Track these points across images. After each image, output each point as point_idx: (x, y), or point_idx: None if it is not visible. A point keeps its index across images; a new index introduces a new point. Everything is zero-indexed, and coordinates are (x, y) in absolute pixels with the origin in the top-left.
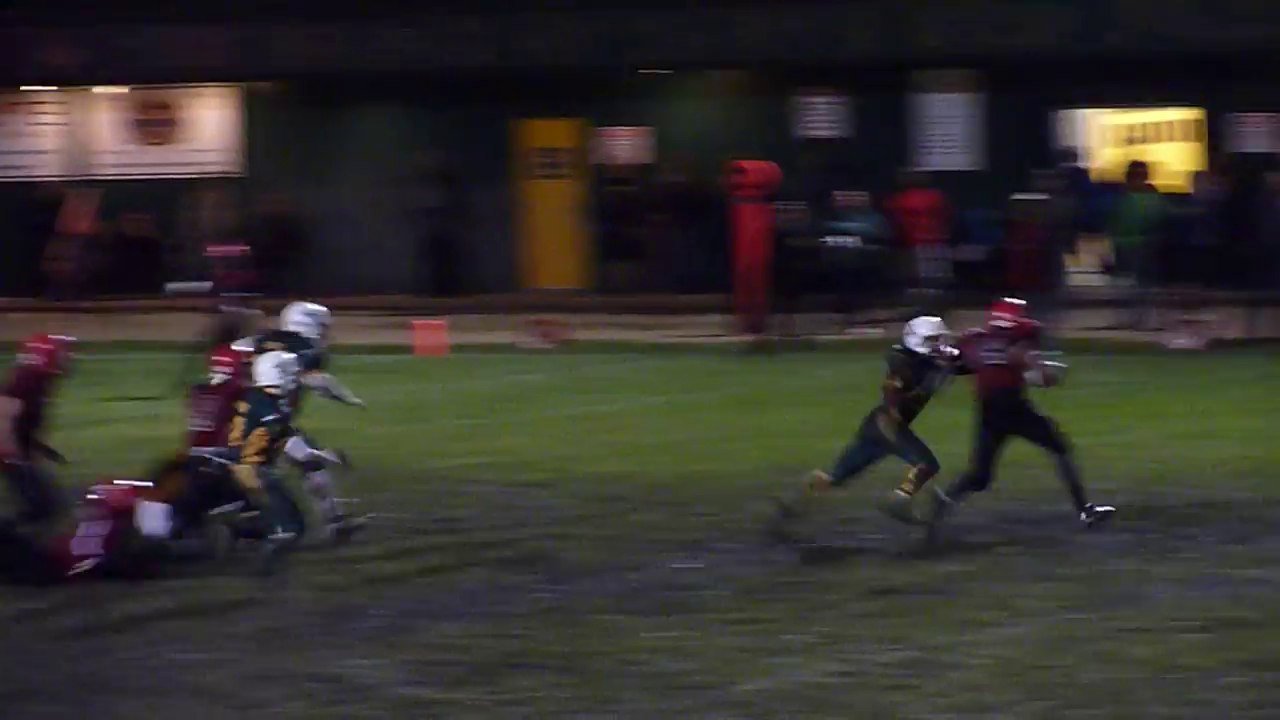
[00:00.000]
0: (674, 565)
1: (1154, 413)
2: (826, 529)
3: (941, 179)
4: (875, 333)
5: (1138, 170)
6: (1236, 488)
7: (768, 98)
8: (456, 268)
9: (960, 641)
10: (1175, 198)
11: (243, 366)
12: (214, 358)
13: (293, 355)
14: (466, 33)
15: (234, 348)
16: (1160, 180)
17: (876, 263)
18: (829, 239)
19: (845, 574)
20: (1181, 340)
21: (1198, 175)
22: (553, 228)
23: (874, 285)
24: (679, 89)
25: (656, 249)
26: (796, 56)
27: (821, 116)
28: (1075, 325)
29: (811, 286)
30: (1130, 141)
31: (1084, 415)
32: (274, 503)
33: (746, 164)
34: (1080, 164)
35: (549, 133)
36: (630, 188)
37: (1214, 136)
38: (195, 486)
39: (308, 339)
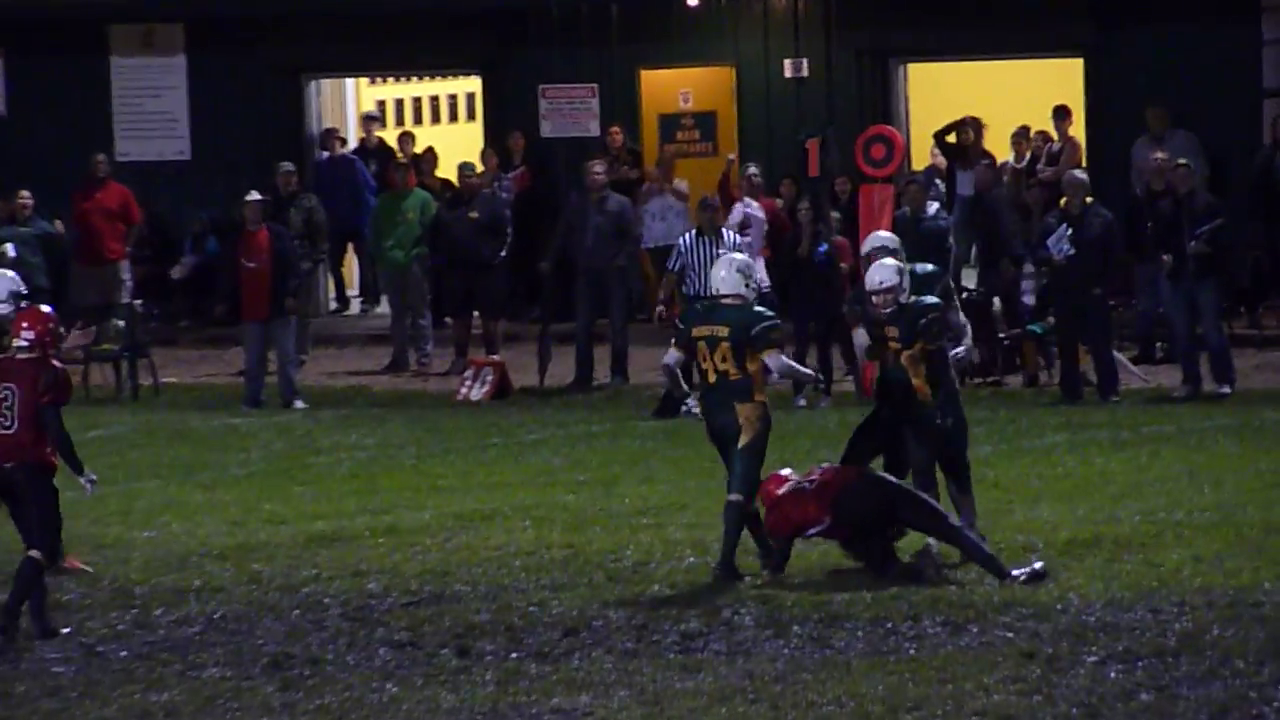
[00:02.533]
0: None
1: (431, 485)
2: None
3: (143, 172)
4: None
5: (401, 161)
6: (534, 584)
7: None
8: None
9: None
10: (456, 197)
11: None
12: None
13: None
14: None
15: (42, 309)
16: (441, 174)
17: (54, 281)
18: None
19: None
20: (471, 388)
21: (463, 168)
22: None
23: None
24: None
25: None
26: None
27: None
28: (329, 369)
29: None
30: (369, 119)
31: (335, 490)
32: None
33: None
34: (346, 152)
35: None
36: None
37: (504, 115)
38: None
39: None
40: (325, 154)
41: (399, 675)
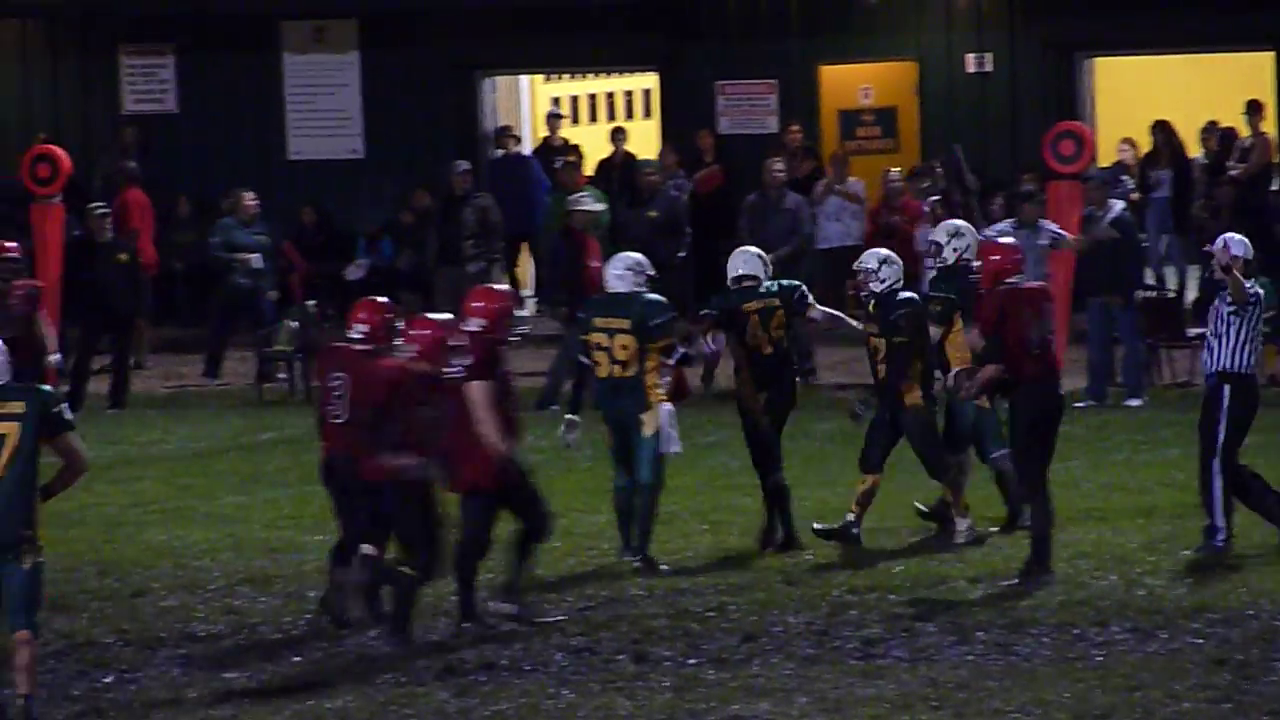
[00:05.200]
0: None
1: (606, 488)
2: None
3: (316, 170)
4: None
5: (569, 160)
6: (711, 589)
7: (70, 58)
8: None
9: None
10: (635, 197)
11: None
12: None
13: None
14: None
15: (379, 300)
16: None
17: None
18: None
19: None
20: None
21: (642, 166)
22: None
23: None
24: None
25: None
26: (111, 1)
27: (147, 84)
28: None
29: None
30: (552, 117)
31: None
32: None
33: (49, 149)
34: (521, 149)
35: None
36: None
37: (681, 112)
38: None
39: None
40: (499, 152)
41: (575, 681)
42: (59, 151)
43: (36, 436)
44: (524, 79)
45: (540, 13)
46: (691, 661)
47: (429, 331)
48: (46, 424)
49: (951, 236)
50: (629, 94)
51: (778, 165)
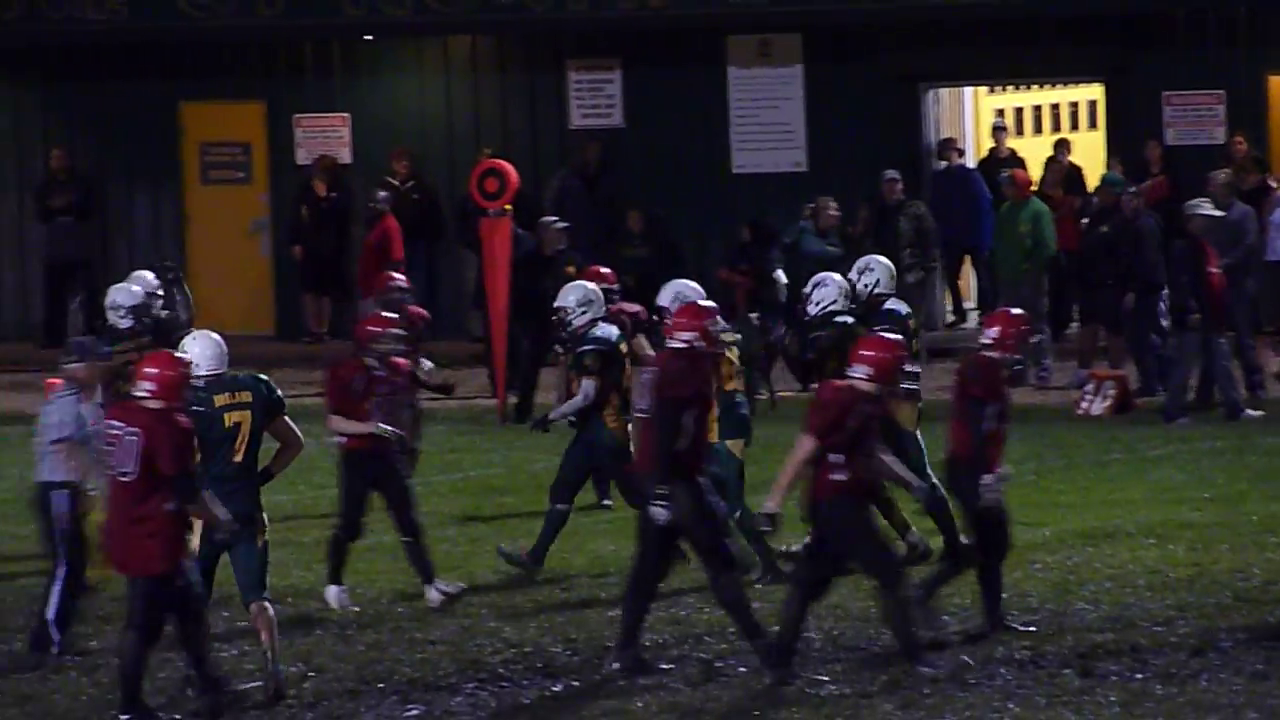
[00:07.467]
0: None
1: (1051, 501)
2: None
3: (758, 183)
4: None
5: (1007, 173)
6: (1158, 604)
7: (519, 73)
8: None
9: None
10: (1096, 213)
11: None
12: None
13: None
14: None
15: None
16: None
17: None
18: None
19: None
20: (1092, 402)
21: (1106, 181)
22: (228, 250)
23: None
24: (394, 62)
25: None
26: (558, 17)
27: (594, 99)
28: (945, 383)
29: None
30: (997, 129)
31: None
32: None
33: (497, 163)
34: (964, 162)
35: (220, 120)
36: (333, 196)
37: (1126, 123)
38: None
39: None
40: (943, 164)
41: (1020, 695)
42: (507, 166)
43: (263, 423)
44: (966, 91)
45: (984, 24)
46: (1139, 676)
47: (878, 352)
48: (271, 409)
49: (862, 272)
50: (1073, 105)
51: (1221, 176)
